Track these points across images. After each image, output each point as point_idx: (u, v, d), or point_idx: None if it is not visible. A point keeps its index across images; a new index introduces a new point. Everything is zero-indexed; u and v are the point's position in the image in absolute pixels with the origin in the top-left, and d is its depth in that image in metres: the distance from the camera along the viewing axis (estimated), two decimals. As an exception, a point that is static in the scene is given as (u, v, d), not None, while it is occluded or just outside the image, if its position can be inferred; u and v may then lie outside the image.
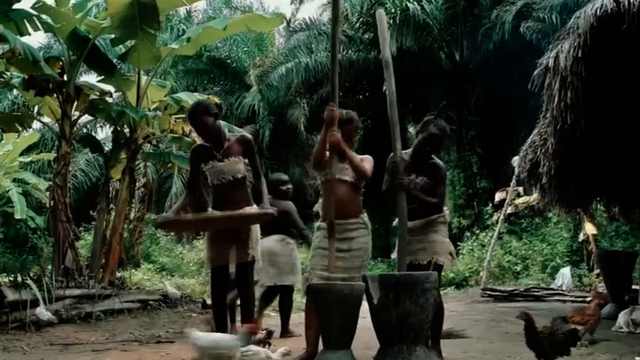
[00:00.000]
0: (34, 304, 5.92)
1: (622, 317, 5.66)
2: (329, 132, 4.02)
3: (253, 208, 4.20)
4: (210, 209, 4.29)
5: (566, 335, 3.74)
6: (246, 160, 4.30)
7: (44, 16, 7.21)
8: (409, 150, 4.35)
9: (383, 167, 4.12)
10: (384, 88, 4.15)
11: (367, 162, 4.17)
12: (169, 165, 9.49)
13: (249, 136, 4.49)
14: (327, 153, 4.12)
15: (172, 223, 4.53)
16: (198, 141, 8.47)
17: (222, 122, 4.73)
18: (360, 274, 3.88)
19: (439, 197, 4.13)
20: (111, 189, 9.67)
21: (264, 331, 4.39)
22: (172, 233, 16.62)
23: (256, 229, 4.36)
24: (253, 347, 3.66)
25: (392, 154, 4.01)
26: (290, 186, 6.08)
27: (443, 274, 5.16)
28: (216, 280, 4.38)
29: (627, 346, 4.77)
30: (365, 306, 3.65)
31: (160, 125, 8.55)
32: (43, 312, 5.83)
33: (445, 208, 4.31)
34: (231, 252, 4.24)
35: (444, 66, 16.12)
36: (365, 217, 4.15)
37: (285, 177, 6.26)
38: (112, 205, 9.04)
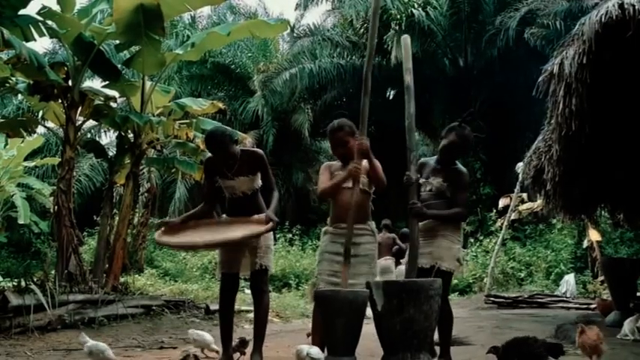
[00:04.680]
0: (38, 309, 5.92)
1: (627, 325, 5.60)
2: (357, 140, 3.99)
3: (254, 227, 4.04)
4: (219, 217, 4.25)
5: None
6: (258, 175, 4.24)
7: (49, 22, 7.24)
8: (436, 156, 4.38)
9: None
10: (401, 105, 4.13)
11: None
12: (173, 170, 9.51)
13: (261, 152, 4.37)
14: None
15: (170, 244, 4.41)
16: (202, 146, 8.56)
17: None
18: (368, 280, 3.86)
19: (462, 205, 4.11)
20: (115, 194, 9.65)
21: (238, 340, 4.33)
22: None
23: (267, 237, 4.24)
24: None
25: (407, 173, 4.00)
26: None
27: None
28: (225, 286, 4.34)
29: (632, 355, 4.73)
30: (369, 312, 3.64)
31: (164, 130, 8.55)
32: None
33: None
34: (243, 260, 4.22)
35: (448, 72, 16.14)
36: (372, 224, 4.12)
37: None
38: (115, 210, 9.03)
